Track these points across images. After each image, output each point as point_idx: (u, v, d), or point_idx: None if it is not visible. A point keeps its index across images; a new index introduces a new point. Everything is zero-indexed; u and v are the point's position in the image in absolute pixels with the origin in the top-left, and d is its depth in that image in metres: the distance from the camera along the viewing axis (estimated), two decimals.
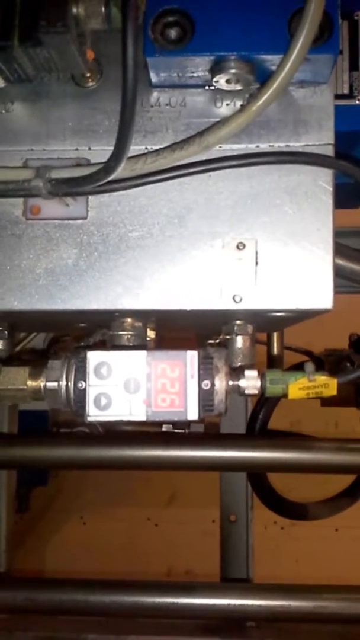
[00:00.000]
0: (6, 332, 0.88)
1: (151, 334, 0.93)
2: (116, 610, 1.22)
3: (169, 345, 1.04)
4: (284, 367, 1.41)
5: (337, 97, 0.83)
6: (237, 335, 0.83)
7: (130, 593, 1.23)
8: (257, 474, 1.49)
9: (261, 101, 0.64)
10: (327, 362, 1.50)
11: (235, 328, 0.83)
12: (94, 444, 1.23)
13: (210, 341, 0.89)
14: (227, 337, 0.84)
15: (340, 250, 1.16)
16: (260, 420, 1.46)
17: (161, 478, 2.62)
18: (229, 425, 1.61)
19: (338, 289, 1.20)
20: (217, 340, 0.87)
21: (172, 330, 1.11)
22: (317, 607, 1.23)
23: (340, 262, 1.16)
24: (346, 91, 0.84)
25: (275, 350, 1.42)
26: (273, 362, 1.44)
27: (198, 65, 0.68)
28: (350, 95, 0.84)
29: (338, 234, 1.24)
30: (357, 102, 0.84)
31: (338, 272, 1.16)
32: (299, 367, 1.37)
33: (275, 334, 1.39)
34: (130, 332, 0.81)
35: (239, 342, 0.84)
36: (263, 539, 1.90)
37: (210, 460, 1.23)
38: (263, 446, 1.22)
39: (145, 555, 2.66)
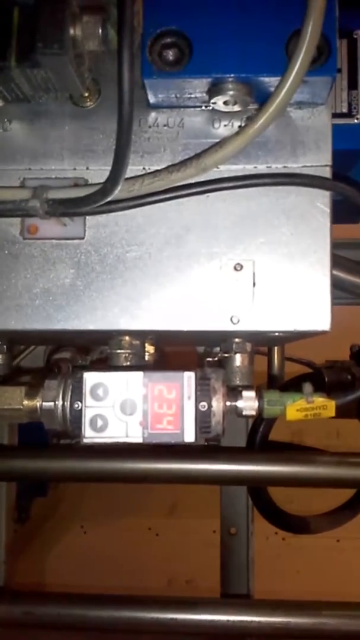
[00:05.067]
0: (5, 347, 0.88)
1: (150, 349, 0.93)
2: (115, 626, 1.22)
3: (169, 360, 1.04)
4: (285, 379, 1.40)
5: (336, 115, 0.83)
6: (235, 353, 0.83)
7: (130, 608, 1.23)
8: (257, 487, 1.48)
9: (258, 124, 0.64)
10: (327, 374, 1.49)
11: (234, 346, 0.83)
12: (94, 457, 1.23)
13: (209, 359, 0.89)
14: (226, 355, 0.84)
15: (341, 262, 1.16)
16: (261, 433, 1.45)
17: (162, 488, 2.61)
18: (230, 438, 1.60)
19: (340, 301, 1.20)
20: (216, 358, 0.87)
21: (172, 345, 1.11)
22: (316, 624, 1.22)
23: (341, 274, 1.16)
24: (345, 110, 0.84)
25: (276, 363, 1.42)
26: (273, 375, 1.43)
27: (196, 87, 0.68)
28: (349, 114, 0.84)
29: (340, 245, 1.24)
30: (356, 120, 0.84)
31: (339, 285, 1.17)
32: (297, 385, 1.37)
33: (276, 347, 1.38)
34: (128, 350, 0.81)
35: (238, 360, 0.83)
36: (265, 549, 1.89)
37: (211, 474, 1.22)
38: (263, 460, 1.22)
39: (146, 565, 2.65)
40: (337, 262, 1.15)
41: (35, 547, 2.66)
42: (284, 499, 1.52)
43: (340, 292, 1.18)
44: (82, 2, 0.63)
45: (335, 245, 1.17)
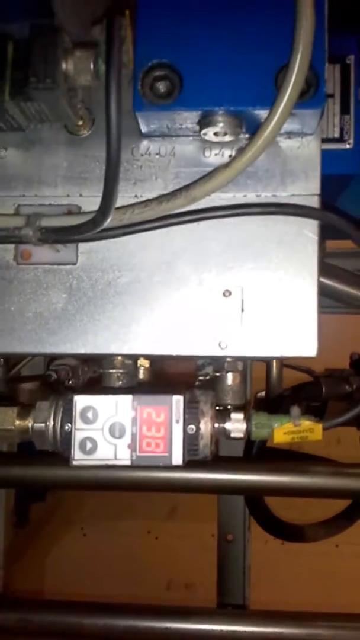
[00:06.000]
0: (2, 359, 0.90)
1: (145, 363, 0.94)
2: (110, 634, 1.23)
3: (162, 376, 1.05)
4: (285, 384, 1.41)
5: (328, 140, 0.84)
6: (227, 372, 0.84)
7: (124, 617, 1.24)
8: (254, 496, 1.49)
9: (246, 157, 0.65)
10: (325, 385, 1.50)
11: (225, 365, 0.84)
12: None
13: (200, 377, 0.90)
14: (217, 374, 0.85)
15: (338, 274, 1.17)
16: (258, 443, 1.46)
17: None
18: (227, 446, 1.60)
19: (342, 310, 1.21)
20: (207, 377, 0.88)
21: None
22: (310, 635, 1.23)
23: (338, 286, 1.17)
24: (337, 135, 0.85)
25: (274, 370, 1.43)
26: (272, 382, 1.45)
27: (186, 119, 0.69)
28: (341, 139, 0.85)
29: (337, 255, 1.25)
30: (348, 146, 0.85)
31: (336, 296, 1.18)
32: (295, 396, 1.38)
33: None
34: (120, 370, 0.82)
35: (229, 379, 0.84)
36: (263, 554, 1.90)
37: (207, 484, 1.23)
38: (259, 470, 1.22)
39: (145, 568, 2.67)
40: (334, 273, 1.16)
41: (34, 551, 2.68)
42: (283, 505, 1.53)
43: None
44: (75, 38, 0.64)
45: (333, 255, 1.18)
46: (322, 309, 1.24)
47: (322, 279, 1.12)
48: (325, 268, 1.15)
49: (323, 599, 2.40)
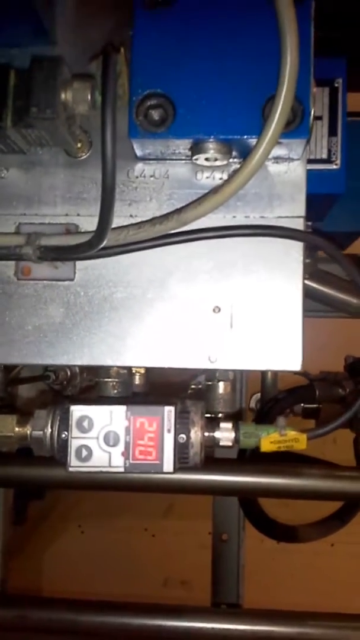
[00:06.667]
0: (2, 366, 0.93)
1: (140, 369, 0.98)
2: (104, 631, 1.27)
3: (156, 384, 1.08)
4: (280, 387, 1.45)
5: (316, 161, 0.88)
6: (218, 381, 0.88)
7: (119, 614, 1.28)
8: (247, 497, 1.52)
9: (235, 183, 0.69)
10: (319, 388, 1.53)
11: (217, 374, 0.87)
12: None
13: (193, 386, 0.94)
14: (209, 383, 0.89)
15: (332, 281, 1.21)
16: None
17: None
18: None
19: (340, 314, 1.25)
20: (199, 386, 0.92)
21: None
22: (300, 634, 1.26)
23: (332, 292, 1.21)
24: (324, 156, 0.89)
25: (269, 373, 1.47)
26: (267, 384, 1.49)
27: (179, 145, 0.73)
28: (329, 160, 0.89)
29: (332, 260, 1.28)
30: (335, 166, 0.89)
31: (331, 303, 1.22)
32: (288, 399, 1.41)
33: None
34: (115, 379, 0.86)
35: (220, 388, 0.88)
36: (259, 552, 1.93)
37: (201, 485, 1.26)
38: (253, 472, 1.26)
39: (142, 565, 2.70)
40: (326, 279, 1.20)
41: (32, 548, 2.71)
42: (279, 502, 1.55)
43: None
44: (73, 70, 0.68)
45: (325, 260, 1.22)
46: (318, 312, 1.28)
47: (315, 285, 1.16)
48: (318, 275, 1.19)
49: (318, 598, 2.43)
